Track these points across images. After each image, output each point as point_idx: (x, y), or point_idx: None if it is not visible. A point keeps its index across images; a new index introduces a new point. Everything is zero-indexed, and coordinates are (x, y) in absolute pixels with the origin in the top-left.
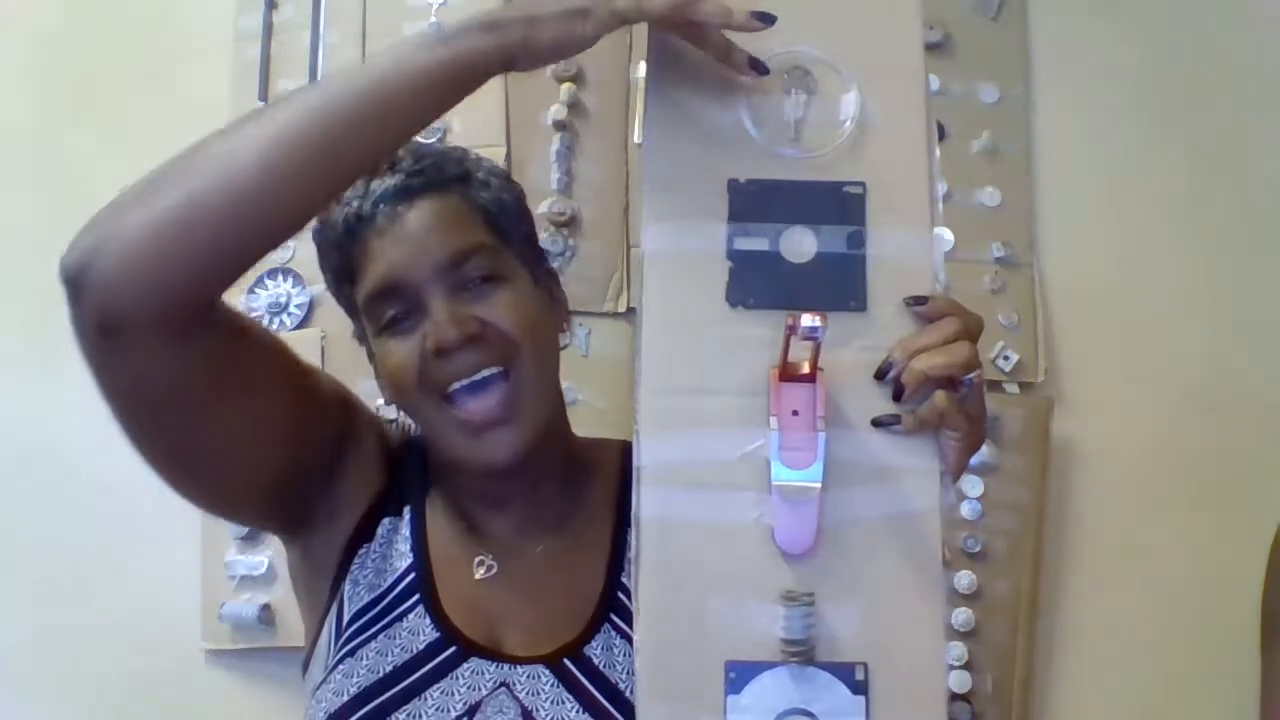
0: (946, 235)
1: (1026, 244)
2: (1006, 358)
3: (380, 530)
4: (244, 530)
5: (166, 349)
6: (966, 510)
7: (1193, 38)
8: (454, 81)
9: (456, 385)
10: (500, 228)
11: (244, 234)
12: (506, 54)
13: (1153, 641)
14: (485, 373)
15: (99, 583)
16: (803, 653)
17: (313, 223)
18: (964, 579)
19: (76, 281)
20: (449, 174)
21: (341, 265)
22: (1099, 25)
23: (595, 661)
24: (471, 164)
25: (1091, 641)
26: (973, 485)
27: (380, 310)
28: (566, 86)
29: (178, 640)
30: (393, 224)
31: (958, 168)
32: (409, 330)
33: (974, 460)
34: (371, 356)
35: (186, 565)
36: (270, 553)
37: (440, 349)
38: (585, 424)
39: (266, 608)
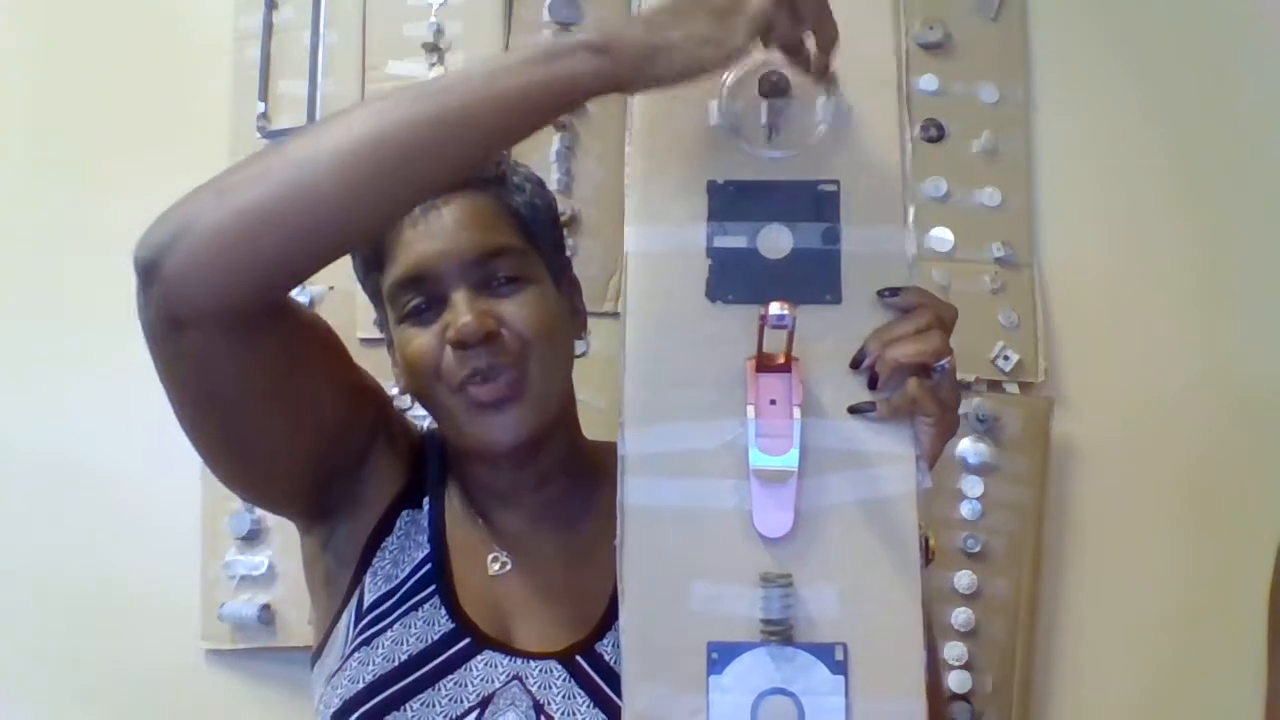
0: (946, 235)
1: (1026, 244)
2: (1006, 358)
3: (399, 523)
4: (244, 530)
5: (229, 343)
6: (966, 510)
7: (1192, 38)
8: (550, 105)
9: (471, 383)
10: (530, 232)
11: (314, 242)
12: (614, 80)
13: (1152, 641)
14: (499, 372)
15: (99, 583)
16: (781, 632)
17: None
18: (964, 579)
19: (148, 274)
20: (486, 174)
21: (371, 252)
22: (1099, 25)
23: (606, 658)
24: (508, 167)
25: (1091, 641)
26: (973, 485)
27: (404, 298)
28: None
29: (178, 640)
30: (427, 216)
31: (958, 168)
32: (430, 321)
33: (974, 460)
34: (390, 345)
35: (186, 565)
36: (270, 552)
37: (459, 341)
38: (585, 424)
39: (266, 608)
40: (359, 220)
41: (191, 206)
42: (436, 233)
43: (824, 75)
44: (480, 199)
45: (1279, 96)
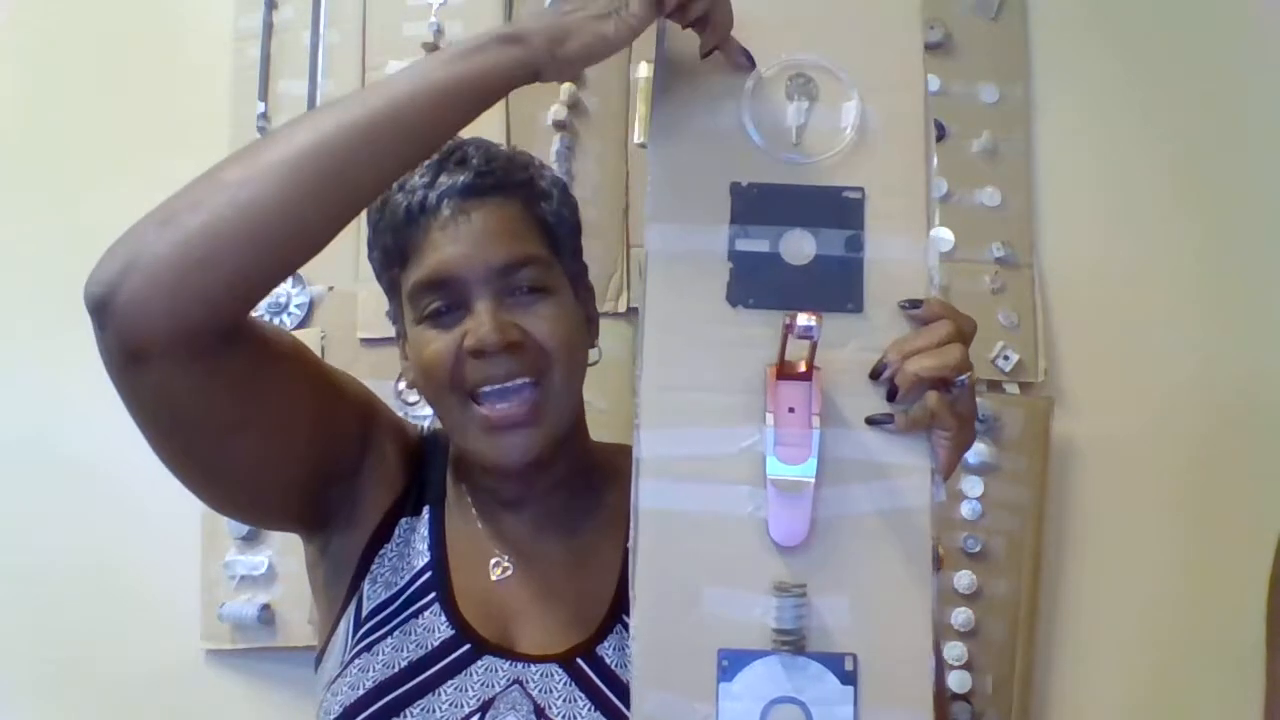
0: (946, 235)
1: (1026, 244)
2: (1006, 358)
3: (398, 530)
4: (244, 530)
5: (193, 371)
6: (966, 510)
7: (1192, 38)
8: (473, 97)
9: (487, 389)
10: (555, 241)
11: (266, 258)
12: (529, 67)
13: (1152, 641)
14: (517, 381)
15: (99, 583)
16: (793, 642)
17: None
18: (964, 579)
19: (101, 311)
20: (516, 179)
21: (394, 248)
22: (1099, 25)
23: (607, 661)
24: (536, 172)
25: (1091, 641)
26: (973, 485)
27: (426, 300)
28: (566, 86)
29: (178, 640)
30: (456, 219)
31: (958, 168)
32: (450, 325)
33: (974, 460)
34: (401, 338)
35: (186, 565)
36: (270, 553)
37: (479, 350)
38: (588, 425)
39: (266, 608)
40: (304, 233)
41: (134, 240)
42: (464, 237)
43: (707, 56)
44: (509, 206)
45: (1279, 96)
